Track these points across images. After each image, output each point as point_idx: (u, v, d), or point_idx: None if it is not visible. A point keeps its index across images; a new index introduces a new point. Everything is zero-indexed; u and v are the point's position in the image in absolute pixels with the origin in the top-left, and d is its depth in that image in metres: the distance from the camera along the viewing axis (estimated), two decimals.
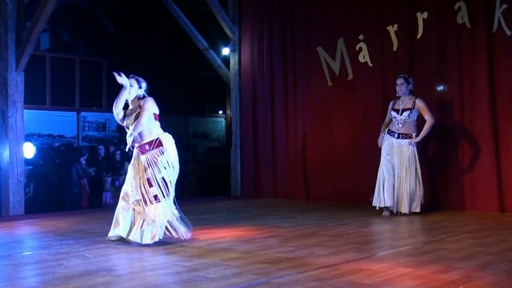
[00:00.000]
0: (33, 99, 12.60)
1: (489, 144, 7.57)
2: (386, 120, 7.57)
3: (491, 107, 7.59)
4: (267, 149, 10.28)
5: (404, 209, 7.20)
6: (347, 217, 7.24)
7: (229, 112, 16.90)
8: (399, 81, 7.38)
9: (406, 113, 7.25)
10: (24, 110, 8.62)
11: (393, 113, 7.36)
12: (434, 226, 6.42)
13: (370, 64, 8.83)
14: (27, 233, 6.54)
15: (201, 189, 13.30)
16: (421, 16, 8.17)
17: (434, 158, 8.11)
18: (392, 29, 8.51)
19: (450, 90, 8.03)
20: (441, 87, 8.14)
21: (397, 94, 7.43)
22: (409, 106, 7.27)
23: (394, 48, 8.51)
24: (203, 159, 15.69)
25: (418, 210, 7.23)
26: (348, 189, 8.95)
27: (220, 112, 18.61)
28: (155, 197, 5.26)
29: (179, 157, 5.55)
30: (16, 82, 8.32)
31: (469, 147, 7.78)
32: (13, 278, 4.02)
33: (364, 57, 8.90)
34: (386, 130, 7.45)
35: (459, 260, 4.45)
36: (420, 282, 3.76)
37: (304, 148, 9.75)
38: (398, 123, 7.30)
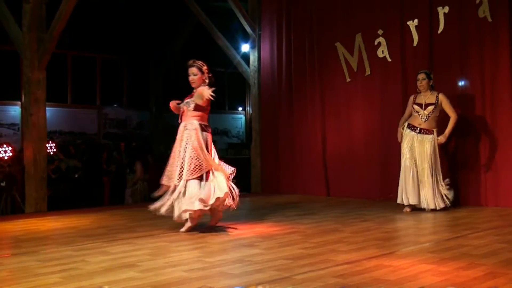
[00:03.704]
0: (54, 97, 12.74)
1: None
2: (405, 115, 7.52)
3: None
4: (287, 146, 10.28)
5: (428, 205, 7.15)
6: (368, 213, 7.21)
7: (249, 108, 16.94)
8: (421, 76, 7.33)
9: (430, 108, 7.20)
10: (46, 108, 8.69)
11: (416, 107, 7.31)
12: (456, 223, 6.37)
13: (389, 59, 8.77)
14: (50, 229, 6.60)
15: None
16: (442, 11, 8.10)
17: (456, 153, 8.04)
18: (412, 24, 8.45)
19: (472, 85, 7.94)
20: (462, 82, 8.06)
21: (418, 90, 7.39)
22: (433, 100, 7.23)
23: (415, 43, 8.45)
24: (223, 155, 15.72)
25: (441, 206, 7.18)
26: (369, 185, 8.92)
27: (240, 108, 18.65)
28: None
29: None
30: (39, 80, 8.38)
31: (491, 142, 7.70)
32: (38, 273, 4.05)
33: (382, 52, 8.84)
34: (406, 124, 7.39)
35: (483, 257, 4.40)
36: (443, 279, 3.73)
37: (324, 144, 9.73)
38: (421, 118, 7.25)
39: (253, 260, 4.40)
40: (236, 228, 6.09)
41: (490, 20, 7.65)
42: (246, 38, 11.35)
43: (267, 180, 10.62)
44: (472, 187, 7.85)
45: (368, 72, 9.06)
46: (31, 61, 8.31)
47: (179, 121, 6.07)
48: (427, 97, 7.29)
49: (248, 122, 16.90)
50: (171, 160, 6.00)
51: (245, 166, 11.41)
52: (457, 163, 7.99)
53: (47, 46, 8.33)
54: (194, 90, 6.07)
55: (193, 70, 6.03)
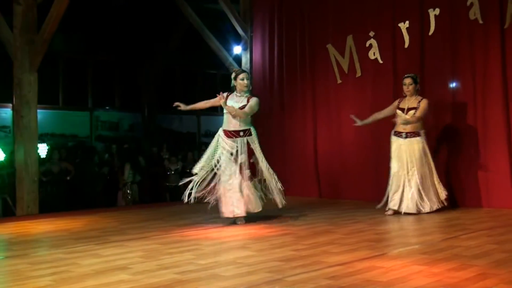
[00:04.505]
0: (46, 99, 12.67)
1: (503, 140, 7.48)
2: (382, 112, 7.44)
3: (505, 103, 7.50)
4: (279, 147, 10.26)
5: (410, 209, 7.02)
6: (360, 215, 7.20)
7: None
8: (407, 81, 7.25)
9: (411, 112, 7.14)
10: (38, 110, 8.65)
11: (399, 112, 7.25)
12: (448, 224, 6.38)
13: (380, 61, 8.78)
14: (42, 232, 6.57)
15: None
16: (433, 13, 8.11)
17: (448, 155, 8.04)
18: (403, 26, 8.46)
19: (463, 86, 7.95)
20: (454, 84, 8.07)
21: (404, 94, 7.34)
22: (414, 105, 7.16)
23: (406, 45, 8.46)
24: None
25: (435, 208, 7.11)
26: (360, 187, 8.91)
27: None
28: (249, 177, 6.52)
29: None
30: (30, 82, 8.34)
31: (483, 144, 7.70)
32: (29, 276, 4.04)
33: (374, 54, 8.86)
34: (392, 132, 7.32)
35: (474, 258, 4.41)
36: (434, 280, 3.73)
37: (316, 145, 9.72)
38: (404, 123, 7.20)
39: (245, 262, 4.39)
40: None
41: (481, 22, 7.67)
42: (238, 40, 11.34)
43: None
44: (464, 188, 7.84)
45: (359, 73, 9.07)
46: (22, 63, 8.27)
47: (228, 128, 6.64)
48: (411, 101, 7.23)
49: None
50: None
51: None
52: (449, 165, 7.99)
53: (38, 48, 8.29)
54: (231, 93, 6.75)
55: (247, 75, 6.78)
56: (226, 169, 6.49)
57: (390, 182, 7.24)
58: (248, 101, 6.65)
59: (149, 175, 12.36)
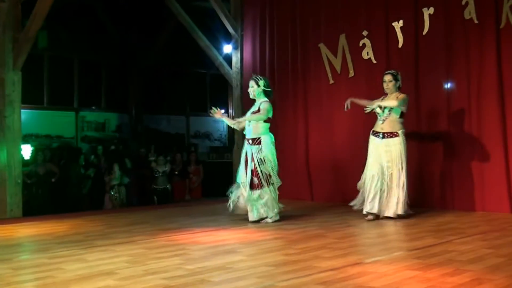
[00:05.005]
0: (30, 99, 12.52)
1: (498, 143, 7.39)
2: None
3: (500, 103, 7.41)
4: None
5: (391, 212, 6.87)
6: (352, 218, 7.11)
7: (231, 111, 16.82)
8: (387, 78, 7.02)
9: (387, 110, 6.92)
10: (22, 110, 8.54)
11: (377, 109, 7.01)
12: (442, 228, 6.29)
13: (374, 61, 8.71)
14: (25, 236, 6.51)
15: (203, 190, 13.20)
16: (427, 12, 8.05)
17: (442, 157, 7.96)
18: (397, 25, 8.39)
19: (458, 86, 7.87)
20: (448, 84, 7.99)
21: (384, 92, 7.18)
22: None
23: (400, 45, 8.39)
24: (205, 159, 15.58)
25: (402, 212, 6.86)
26: (352, 189, 8.81)
27: (222, 111, 18.54)
28: (257, 185, 6.68)
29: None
30: (13, 81, 8.26)
31: (478, 146, 7.61)
32: (11, 282, 3.96)
33: (367, 53, 8.79)
34: (371, 131, 7.14)
35: (469, 263, 4.33)
36: (428, 285, 3.66)
37: (307, 147, 9.66)
38: (380, 121, 7.02)
39: (234, 267, 4.32)
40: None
41: (476, 21, 7.60)
42: (228, 38, 11.26)
43: None
44: (459, 192, 7.75)
45: (351, 73, 8.99)
46: (6, 62, 8.19)
47: (247, 134, 6.94)
48: (391, 98, 7.03)
49: None
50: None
51: (228, 170, 11.29)
52: (443, 168, 7.92)
53: (22, 46, 8.20)
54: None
55: (251, 83, 6.99)
56: (243, 174, 6.87)
57: (366, 184, 7.06)
58: (259, 108, 6.88)
59: (137, 177, 12.24)
